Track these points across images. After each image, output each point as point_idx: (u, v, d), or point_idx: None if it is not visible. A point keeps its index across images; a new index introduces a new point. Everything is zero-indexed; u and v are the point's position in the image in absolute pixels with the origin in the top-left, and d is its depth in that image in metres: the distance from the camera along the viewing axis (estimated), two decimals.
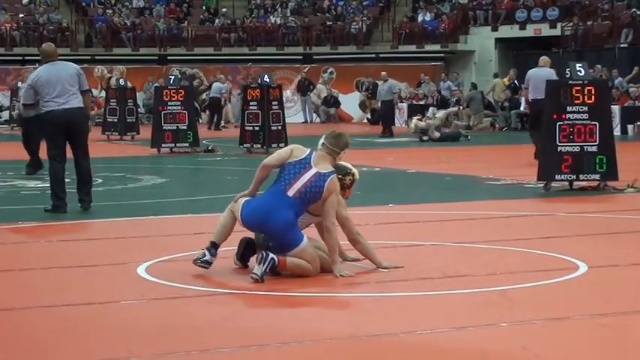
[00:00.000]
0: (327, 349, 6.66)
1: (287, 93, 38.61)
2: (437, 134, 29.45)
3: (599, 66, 32.45)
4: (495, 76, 39.24)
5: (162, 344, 6.80)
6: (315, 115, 43.04)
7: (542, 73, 19.60)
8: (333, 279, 8.63)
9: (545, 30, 40.82)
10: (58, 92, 13.37)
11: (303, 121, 41.92)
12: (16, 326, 7.46)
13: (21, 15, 45.55)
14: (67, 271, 9.58)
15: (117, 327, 7.35)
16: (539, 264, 9.35)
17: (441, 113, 32.44)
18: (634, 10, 37.52)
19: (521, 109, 33.13)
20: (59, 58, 14.02)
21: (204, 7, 48.33)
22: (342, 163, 9.43)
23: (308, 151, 8.99)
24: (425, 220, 12.73)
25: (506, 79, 37.76)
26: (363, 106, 42.49)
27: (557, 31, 39.76)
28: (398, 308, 7.83)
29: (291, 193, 8.75)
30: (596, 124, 15.37)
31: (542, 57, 20.98)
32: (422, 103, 38.86)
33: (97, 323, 7.50)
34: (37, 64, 40.51)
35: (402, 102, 39.95)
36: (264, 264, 8.43)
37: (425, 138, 29.27)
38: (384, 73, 35.30)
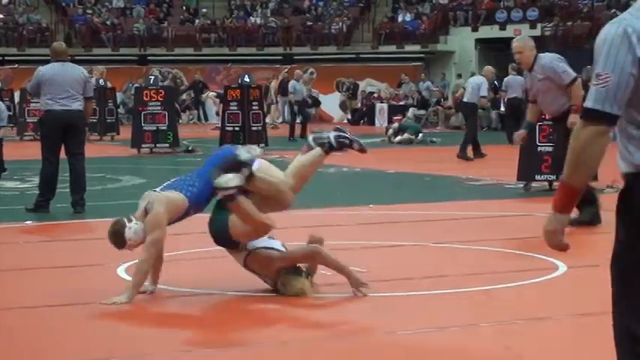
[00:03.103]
0: (306, 348, 6.70)
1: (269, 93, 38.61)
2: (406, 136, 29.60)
3: (589, 67, 32.41)
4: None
5: (141, 345, 6.82)
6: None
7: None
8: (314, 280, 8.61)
9: (525, 30, 40.79)
10: (61, 93, 13.37)
11: (282, 121, 41.97)
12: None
13: (0, 15, 45.49)
14: (46, 271, 9.57)
15: (96, 328, 7.36)
16: (519, 264, 9.40)
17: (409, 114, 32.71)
18: (614, 10, 37.71)
19: (501, 109, 33.33)
20: (62, 59, 13.98)
21: (184, 8, 48.38)
22: None
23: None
24: (405, 221, 12.76)
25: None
26: (343, 106, 42.55)
27: (537, 32, 39.87)
28: (379, 308, 7.85)
29: None
30: None
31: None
32: (402, 103, 38.95)
33: (78, 324, 7.50)
34: (16, 65, 40.65)
35: (381, 102, 40.03)
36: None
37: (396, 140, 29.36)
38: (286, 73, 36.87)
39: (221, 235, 8.13)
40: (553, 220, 4.09)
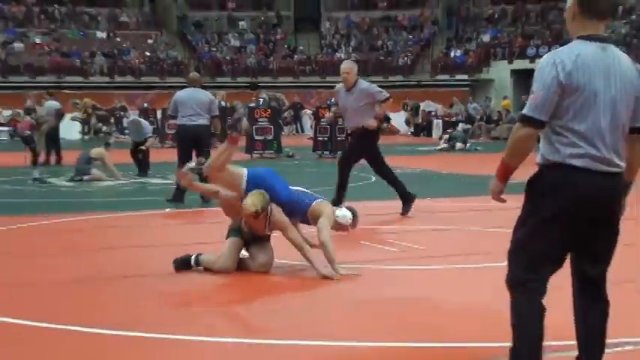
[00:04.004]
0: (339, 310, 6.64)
1: None
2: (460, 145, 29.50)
3: None
4: (504, 98, 39.64)
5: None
6: None
7: None
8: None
9: None
10: (190, 111, 13.51)
11: None
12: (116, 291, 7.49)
13: (147, 52, 46.02)
14: (177, 247, 9.62)
15: (211, 293, 7.33)
16: None
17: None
18: (621, 47, 37.07)
19: None
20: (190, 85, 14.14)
21: (285, 46, 48.49)
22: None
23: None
24: (451, 211, 12.67)
25: (508, 101, 38.90)
26: (408, 122, 42.38)
27: None
28: (423, 279, 7.78)
29: None
30: None
31: None
32: (453, 119, 38.69)
33: (195, 289, 7.50)
34: (158, 90, 41.05)
35: (437, 119, 39.85)
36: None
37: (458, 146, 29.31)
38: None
39: None
40: (495, 183, 4.29)
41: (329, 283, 7.46)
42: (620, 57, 4.19)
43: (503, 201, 4.31)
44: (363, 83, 12.17)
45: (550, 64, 4.10)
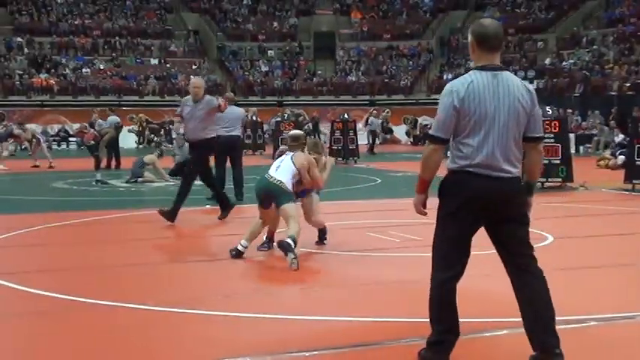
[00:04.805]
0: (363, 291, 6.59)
1: (359, 125, 38.39)
2: None
3: (570, 111, 31.61)
4: None
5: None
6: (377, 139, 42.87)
7: None
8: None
9: None
10: (225, 125, 13.45)
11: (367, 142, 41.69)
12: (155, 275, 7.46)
13: (191, 76, 46.02)
14: (214, 238, 9.61)
15: (237, 276, 7.32)
16: None
17: None
18: (584, 72, 36.94)
19: None
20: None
21: (306, 71, 48.43)
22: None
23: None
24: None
25: None
26: (408, 133, 42.21)
27: (534, 86, 39.04)
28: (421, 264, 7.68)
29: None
30: (559, 146, 15.15)
31: None
32: None
33: (228, 273, 7.47)
34: None
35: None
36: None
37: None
38: (374, 111, 36.15)
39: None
40: (416, 197, 4.42)
41: (337, 269, 7.40)
42: (509, 80, 4.28)
43: (425, 214, 4.45)
44: (208, 97, 11.28)
45: (448, 93, 4.20)
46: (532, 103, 4.27)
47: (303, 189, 8.25)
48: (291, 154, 8.15)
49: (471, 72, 4.28)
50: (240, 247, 7.90)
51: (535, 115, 4.28)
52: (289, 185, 7.89)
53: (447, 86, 4.26)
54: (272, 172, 8.01)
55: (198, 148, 11.04)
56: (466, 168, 4.18)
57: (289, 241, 7.32)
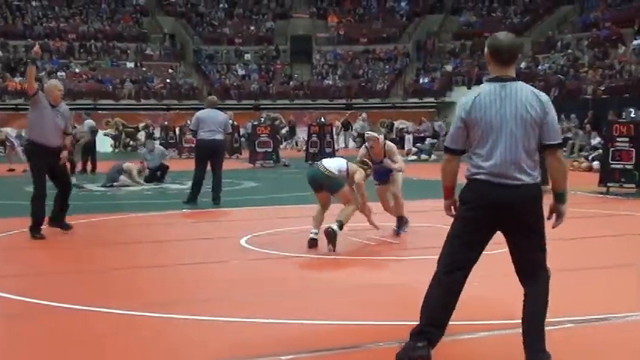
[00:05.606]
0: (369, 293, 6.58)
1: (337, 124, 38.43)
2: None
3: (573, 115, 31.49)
4: None
5: (254, 289, 6.76)
6: (353, 143, 42.94)
7: None
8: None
9: None
10: (208, 128, 13.43)
11: (344, 146, 41.69)
12: (144, 279, 7.44)
13: (168, 80, 45.89)
14: (191, 241, 9.59)
15: (219, 279, 7.34)
16: None
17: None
18: (559, 75, 37.26)
19: None
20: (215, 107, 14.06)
21: (283, 74, 48.44)
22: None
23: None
24: (423, 210, 12.57)
25: None
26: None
27: None
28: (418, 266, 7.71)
29: None
30: None
31: None
32: (422, 135, 38.64)
33: (208, 277, 7.49)
34: (177, 111, 40.85)
35: (408, 134, 39.77)
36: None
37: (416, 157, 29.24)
38: (364, 115, 36.75)
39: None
40: (444, 203, 4.58)
41: (318, 273, 7.40)
42: (518, 90, 4.36)
43: (453, 216, 4.56)
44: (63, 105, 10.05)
45: (458, 106, 4.45)
46: (543, 112, 4.35)
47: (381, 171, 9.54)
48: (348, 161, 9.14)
49: (483, 84, 4.44)
50: (313, 236, 8.53)
51: (548, 122, 4.35)
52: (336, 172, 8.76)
53: (459, 100, 4.50)
54: (325, 163, 8.96)
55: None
56: (477, 176, 4.34)
57: (334, 227, 8.31)
